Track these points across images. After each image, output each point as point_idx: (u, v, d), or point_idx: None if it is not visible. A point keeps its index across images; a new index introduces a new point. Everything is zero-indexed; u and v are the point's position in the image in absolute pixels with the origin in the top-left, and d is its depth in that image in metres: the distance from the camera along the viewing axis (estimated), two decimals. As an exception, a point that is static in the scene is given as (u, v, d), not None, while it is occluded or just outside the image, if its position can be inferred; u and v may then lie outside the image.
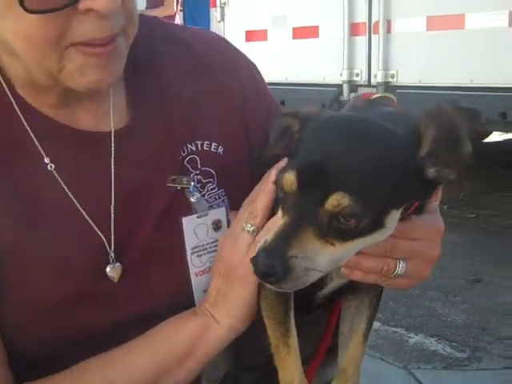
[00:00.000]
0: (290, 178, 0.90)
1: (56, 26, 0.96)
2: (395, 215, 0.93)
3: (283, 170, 0.93)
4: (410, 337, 3.49)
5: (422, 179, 0.92)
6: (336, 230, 0.88)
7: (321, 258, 0.89)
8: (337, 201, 0.86)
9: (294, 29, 6.02)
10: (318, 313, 1.23)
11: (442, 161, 0.91)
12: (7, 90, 1.10)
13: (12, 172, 1.09)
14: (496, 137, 8.85)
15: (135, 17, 1.07)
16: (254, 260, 0.90)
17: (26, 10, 0.92)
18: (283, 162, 1.08)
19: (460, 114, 0.88)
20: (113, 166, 1.15)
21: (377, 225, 0.91)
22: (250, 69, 1.40)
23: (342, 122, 0.97)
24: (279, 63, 5.87)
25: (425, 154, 0.91)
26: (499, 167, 7.03)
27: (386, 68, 5.34)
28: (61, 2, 0.93)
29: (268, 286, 0.93)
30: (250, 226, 1.11)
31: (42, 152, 1.11)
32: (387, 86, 5.32)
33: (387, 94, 1.14)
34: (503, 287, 4.07)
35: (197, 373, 1.17)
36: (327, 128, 0.95)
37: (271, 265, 0.87)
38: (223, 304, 1.14)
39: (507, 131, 7.54)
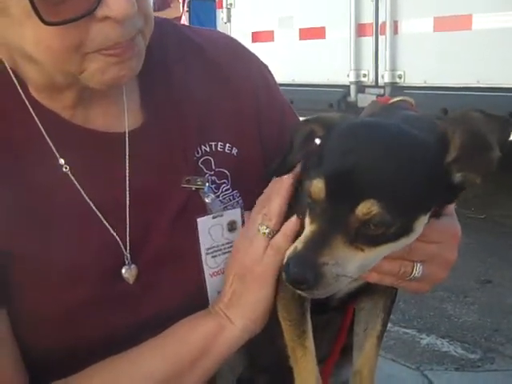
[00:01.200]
0: (319, 185, 0.90)
1: (74, 35, 0.96)
2: (423, 220, 0.93)
3: (311, 177, 0.92)
4: (421, 338, 3.48)
5: (448, 184, 0.92)
6: (365, 237, 0.89)
7: (351, 264, 0.90)
8: (367, 208, 0.86)
9: (300, 30, 6.02)
10: (332, 314, 1.23)
11: (468, 165, 0.91)
12: (21, 93, 1.10)
13: (27, 175, 1.09)
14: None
15: (151, 18, 1.07)
16: (285, 268, 0.90)
17: (43, 21, 0.92)
18: (298, 168, 1.09)
19: (490, 121, 0.87)
20: (127, 167, 1.15)
21: (406, 230, 0.91)
22: (262, 70, 1.39)
23: (367, 127, 0.97)
24: (286, 64, 5.86)
25: (452, 160, 0.91)
26: (507, 168, 7.00)
27: (393, 68, 5.33)
28: (78, 12, 0.93)
29: (300, 292, 0.93)
30: (265, 228, 1.11)
31: (57, 154, 1.11)
32: (394, 87, 5.31)
33: (405, 98, 1.13)
34: (513, 288, 4.06)
35: (211, 373, 1.16)
36: (353, 134, 0.95)
37: (302, 272, 0.87)
38: (238, 305, 1.13)
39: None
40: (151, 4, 1.08)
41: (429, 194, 0.91)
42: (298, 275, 0.88)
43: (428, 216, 0.93)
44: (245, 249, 1.14)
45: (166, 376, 1.11)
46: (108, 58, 1.00)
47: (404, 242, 0.93)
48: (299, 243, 0.90)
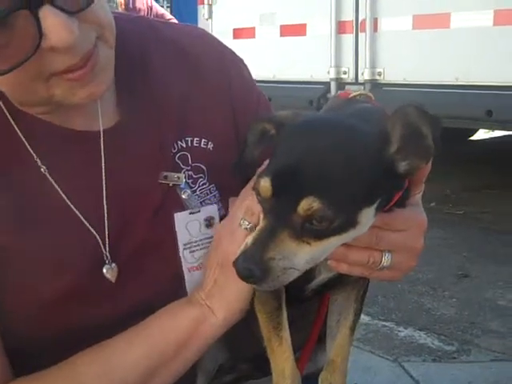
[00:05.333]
0: (265, 184, 0.92)
1: (28, 70, 0.95)
2: (369, 212, 0.95)
3: (260, 176, 0.95)
4: (399, 331, 3.52)
5: (393, 173, 0.95)
6: (310, 231, 0.91)
7: (298, 257, 0.92)
8: (308, 205, 0.89)
9: (281, 26, 6.03)
10: (307, 304, 1.26)
11: (410, 154, 0.93)
12: None
13: (5, 176, 1.09)
14: (482, 135, 8.94)
15: (107, 21, 1.04)
16: (234, 263, 0.92)
17: None
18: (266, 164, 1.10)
19: (422, 115, 0.90)
20: (103, 166, 1.16)
21: (350, 223, 0.93)
22: (237, 64, 1.40)
23: (311, 125, 0.99)
24: (267, 60, 5.89)
25: (394, 151, 0.93)
26: (486, 165, 7.11)
27: (372, 66, 5.37)
28: (24, 51, 0.92)
29: (252, 286, 0.96)
30: (247, 223, 1.11)
31: (34, 154, 1.11)
32: (374, 84, 5.36)
33: (364, 92, 1.16)
34: (490, 282, 4.12)
35: (191, 363, 1.17)
36: (298, 133, 0.97)
37: (249, 267, 0.90)
38: (220, 296, 1.14)
39: (493, 129, 7.62)
40: (104, 6, 1.03)
41: (372, 186, 0.93)
42: (245, 270, 0.91)
43: (375, 207, 0.95)
44: (226, 241, 1.14)
45: (148, 366, 1.12)
46: (71, 82, 1.00)
47: (352, 233, 0.95)
48: (249, 239, 0.92)
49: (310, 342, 1.29)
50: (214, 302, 1.14)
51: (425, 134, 0.90)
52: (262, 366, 1.18)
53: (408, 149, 0.93)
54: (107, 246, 1.14)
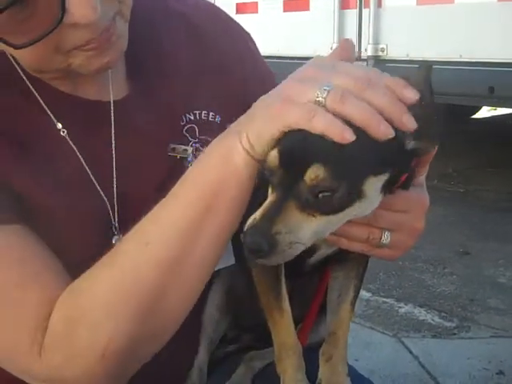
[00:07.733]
0: (274, 154, 0.92)
1: (48, 45, 0.97)
2: (374, 184, 0.94)
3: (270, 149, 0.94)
4: (399, 307, 3.56)
5: (400, 150, 0.94)
6: (317, 203, 0.91)
7: (304, 231, 0.91)
8: (314, 173, 0.88)
9: (284, 1, 5.98)
10: (307, 279, 1.26)
11: (420, 135, 0.93)
12: (14, 63, 1.11)
13: (25, 136, 1.10)
14: (485, 113, 8.92)
15: None
16: (243, 238, 0.92)
17: (13, 46, 0.94)
18: None
19: (432, 102, 0.91)
20: (113, 136, 1.16)
21: (355, 194, 0.92)
22: (246, 38, 1.41)
23: None
24: (270, 36, 5.83)
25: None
26: (488, 143, 7.10)
27: (376, 42, 5.33)
28: (45, 25, 0.93)
29: (258, 260, 0.94)
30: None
31: (54, 118, 1.12)
32: (377, 60, 5.32)
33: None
34: (491, 260, 4.15)
35: (227, 226, 1.02)
36: None
37: (257, 242, 0.90)
38: (247, 121, 0.98)
39: (495, 106, 7.59)
40: None
41: (377, 156, 0.92)
42: (253, 245, 0.90)
43: (382, 183, 0.95)
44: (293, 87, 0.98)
45: (192, 220, 1.00)
46: (87, 52, 1.02)
47: (356, 209, 0.94)
48: (258, 213, 0.92)
49: (310, 316, 1.29)
50: (242, 126, 0.98)
51: (435, 119, 0.90)
52: (264, 336, 1.19)
53: (418, 129, 0.91)
54: (116, 216, 1.15)
